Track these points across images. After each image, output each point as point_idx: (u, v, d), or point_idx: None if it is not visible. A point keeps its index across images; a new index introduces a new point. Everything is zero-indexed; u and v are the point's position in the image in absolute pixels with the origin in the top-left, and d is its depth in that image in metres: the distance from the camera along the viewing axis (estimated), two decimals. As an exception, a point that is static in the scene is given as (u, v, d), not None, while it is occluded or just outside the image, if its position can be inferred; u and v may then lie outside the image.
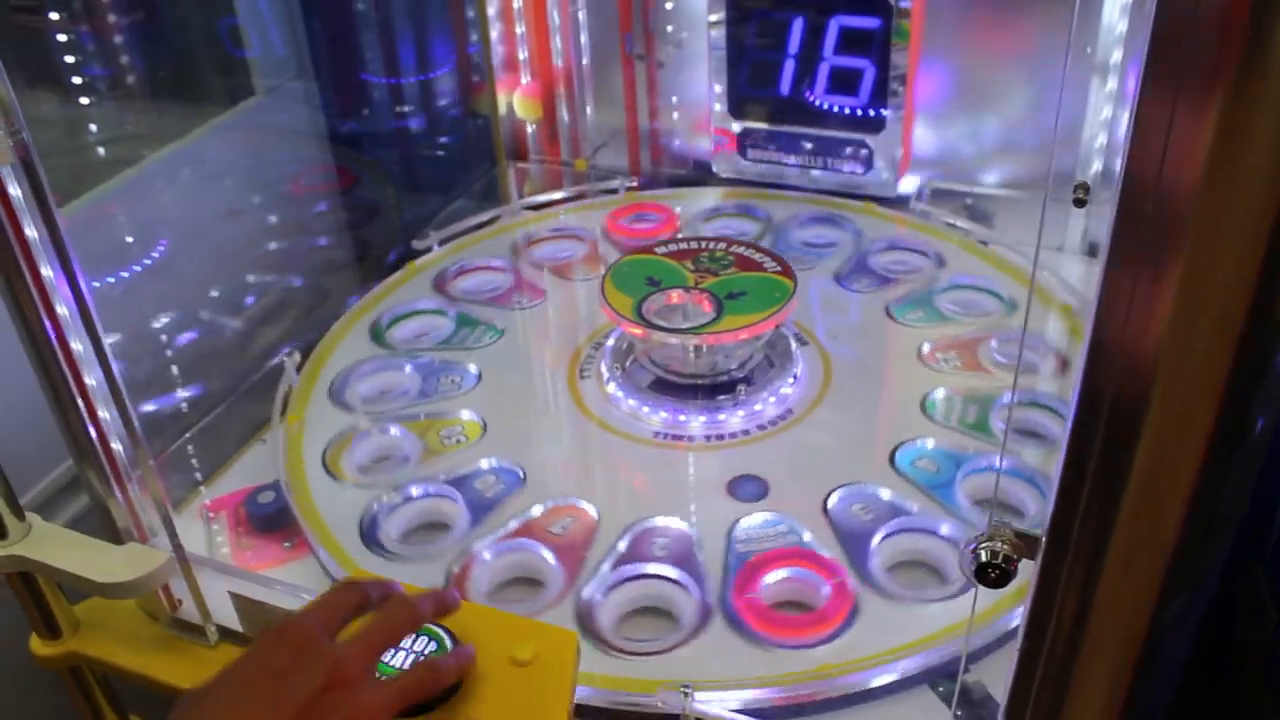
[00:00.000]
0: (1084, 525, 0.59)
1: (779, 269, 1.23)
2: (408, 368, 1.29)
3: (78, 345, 0.89)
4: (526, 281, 1.45)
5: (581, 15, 1.68)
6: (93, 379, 0.92)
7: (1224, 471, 0.57)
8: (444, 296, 1.42)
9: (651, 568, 1.00)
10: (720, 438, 1.15)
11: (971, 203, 1.57)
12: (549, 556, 1.02)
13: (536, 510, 1.07)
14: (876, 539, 1.02)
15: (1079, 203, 1.39)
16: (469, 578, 1.00)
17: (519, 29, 1.71)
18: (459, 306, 1.40)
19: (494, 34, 1.72)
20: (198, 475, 1.18)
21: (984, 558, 0.62)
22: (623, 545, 1.02)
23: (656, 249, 1.29)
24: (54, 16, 1.32)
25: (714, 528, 1.04)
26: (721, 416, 1.17)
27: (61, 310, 0.88)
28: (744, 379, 1.20)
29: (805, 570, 0.99)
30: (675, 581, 0.99)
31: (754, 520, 1.04)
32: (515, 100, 1.76)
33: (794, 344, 1.25)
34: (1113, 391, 0.55)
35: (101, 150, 1.40)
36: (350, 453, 1.16)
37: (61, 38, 1.33)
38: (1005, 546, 0.62)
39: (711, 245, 1.28)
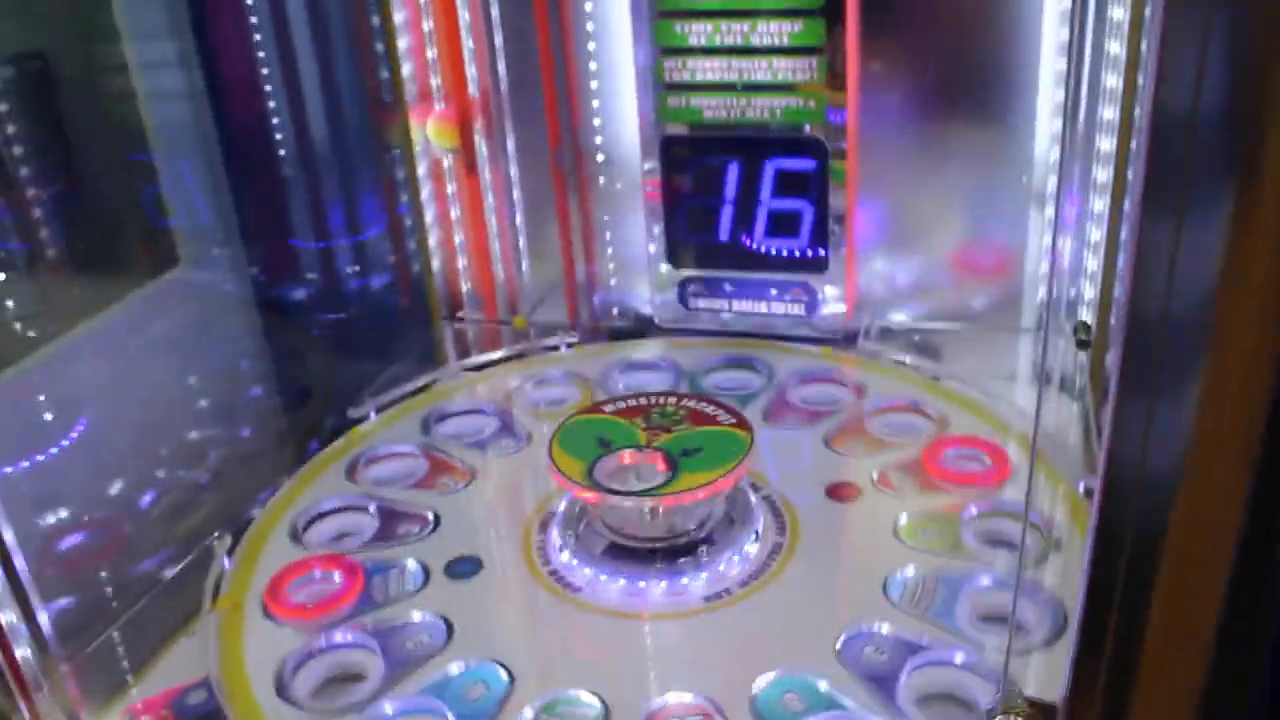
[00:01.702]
0: (1107, 687, 0.54)
1: (733, 421, 1.18)
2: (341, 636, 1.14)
3: (-22, 545, 0.82)
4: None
5: (514, 172, 1.66)
6: (-4, 580, 0.85)
7: (1254, 595, 0.52)
8: (360, 488, 1.33)
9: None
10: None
11: (919, 339, 1.54)
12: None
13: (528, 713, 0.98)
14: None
15: (1083, 344, 1.38)
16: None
17: (450, 187, 1.69)
18: (382, 500, 1.30)
19: (424, 193, 1.69)
20: (120, 675, 1.08)
21: (998, 735, 0.57)
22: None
23: (605, 407, 1.23)
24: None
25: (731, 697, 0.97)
26: (684, 580, 1.10)
27: (-41, 507, 0.81)
28: (704, 539, 1.14)
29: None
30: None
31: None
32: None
33: (753, 497, 1.20)
34: (1131, 529, 0.51)
35: (17, 327, 1.34)
36: (301, 676, 1.06)
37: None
38: (1020, 718, 0.57)
39: (662, 400, 1.23)
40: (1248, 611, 0.53)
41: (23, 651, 0.87)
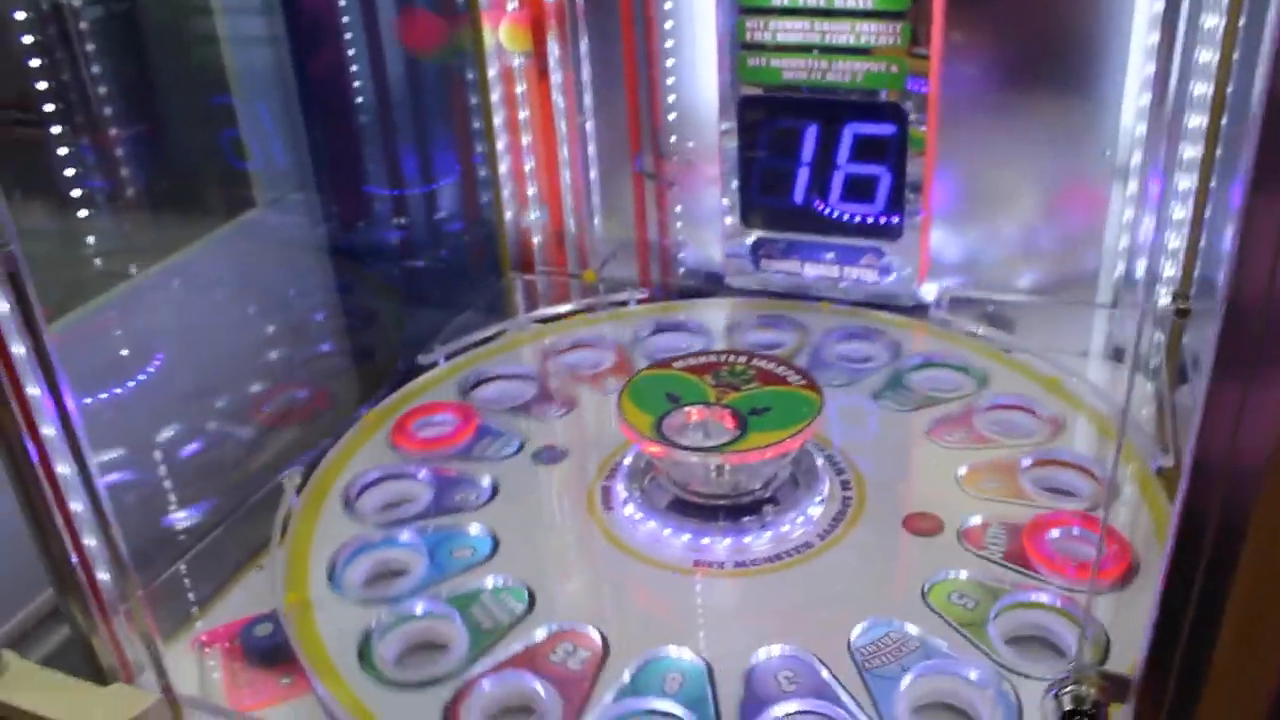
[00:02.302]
0: (1185, 660, 0.53)
1: (804, 383, 1.17)
2: (421, 473, 1.23)
3: (63, 468, 0.84)
4: (547, 394, 1.39)
5: (590, 125, 1.65)
6: (78, 504, 0.87)
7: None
8: (464, 404, 1.38)
9: (658, 703, 0.93)
10: (743, 564, 1.09)
11: (992, 310, 1.52)
12: (547, 687, 0.95)
13: (540, 635, 1.00)
14: (905, 680, 0.93)
15: (1182, 313, 1.36)
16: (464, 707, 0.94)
17: (525, 139, 1.69)
18: (479, 416, 1.33)
19: (499, 144, 1.69)
20: (191, 605, 1.11)
21: (1069, 704, 0.56)
22: (627, 676, 0.95)
23: (675, 363, 1.23)
24: (55, 130, 1.29)
25: (729, 663, 0.96)
26: (747, 539, 1.10)
27: (47, 431, 0.83)
28: (769, 499, 1.14)
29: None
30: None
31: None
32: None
33: (820, 461, 1.19)
34: (1217, 508, 0.50)
35: (98, 262, 1.36)
36: (354, 567, 1.12)
37: (62, 151, 1.30)
38: (1092, 690, 0.56)
39: (732, 359, 1.23)
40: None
41: (102, 575, 0.89)
